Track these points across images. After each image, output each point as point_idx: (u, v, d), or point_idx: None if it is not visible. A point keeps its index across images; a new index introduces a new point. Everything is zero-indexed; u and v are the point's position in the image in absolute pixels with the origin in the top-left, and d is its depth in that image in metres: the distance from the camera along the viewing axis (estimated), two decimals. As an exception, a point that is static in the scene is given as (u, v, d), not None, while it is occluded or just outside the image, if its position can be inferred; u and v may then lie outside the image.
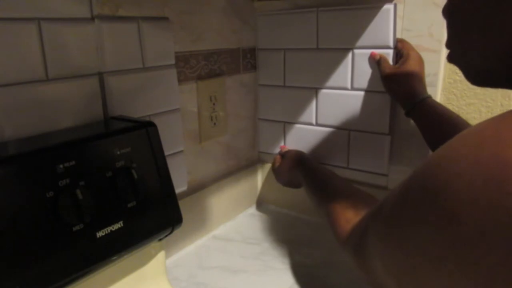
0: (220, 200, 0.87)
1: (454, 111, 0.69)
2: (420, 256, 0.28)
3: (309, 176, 0.71)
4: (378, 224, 0.36)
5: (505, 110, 0.27)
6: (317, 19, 0.79)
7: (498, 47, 0.33)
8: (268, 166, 0.96)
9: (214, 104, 0.81)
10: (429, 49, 0.71)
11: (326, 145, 0.85)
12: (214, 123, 0.82)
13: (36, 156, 0.42)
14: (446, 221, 0.26)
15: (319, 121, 0.85)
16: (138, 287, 0.56)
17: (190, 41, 0.74)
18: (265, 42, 0.89)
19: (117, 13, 0.59)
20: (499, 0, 0.32)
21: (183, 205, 0.58)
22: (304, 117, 0.87)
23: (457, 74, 0.72)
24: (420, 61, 0.70)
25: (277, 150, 0.92)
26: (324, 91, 0.82)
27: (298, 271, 0.72)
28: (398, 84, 0.70)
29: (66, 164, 0.43)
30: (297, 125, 0.88)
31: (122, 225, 0.48)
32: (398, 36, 0.73)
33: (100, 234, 0.46)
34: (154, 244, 0.58)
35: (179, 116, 0.70)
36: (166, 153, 0.59)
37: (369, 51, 0.74)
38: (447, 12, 0.39)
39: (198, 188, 0.81)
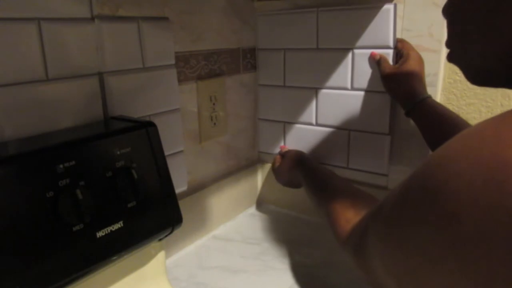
0: (220, 200, 0.87)
1: (454, 111, 0.69)
2: (420, 256, 0.28)
3: (309, 176, 0.71)
4: (378, 224, 0.36)
5: (505, 110, 0.27)
6: (317, 19, 0.79)
7: (498, 47, 0.33)
8: (268, 166, 0.96)
9: (214, 104, 0.81)
10: (429, 49, 0.71)
11: (326, 145, 0.85)
12: (214, 123, 0.82)
13: (36, 156, 0.42)
14: (446, 221, 0.26)
15: (319, 121, 0.85)
16: (138, 287, 0.56)
17: (190, 41, 0.74)
18: (265, 42, 0.89)
19: (117, 13, 0.59)
20: (499, 0, 0.32)
21: (183, 205, 0.58)
22: (304, 117, 0.87)
23: (457, 74, 0.72)
24: (420, 61, 0.70)
25: (277, 150, 0.92)
26: (324, 91, 0.82)
27: (298, 271, 0.72)
28: (398, 84, 0.70)
29: (66, 164, 0.43)
30: (297, 125, 0.88)
31: (122, 225, 0.48)
32: (398, 36, 0.73)
33: (100, 234, 0.46)
34: (154, 244, 0.58)
35: (179, 116, 0.70)
36: (166, 153, 0.59)
37: (369, 51, 0.74)
38: (447, 11, 0.39)
39: (198, 188, 0.81)
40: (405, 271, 0.31)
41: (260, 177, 0.99)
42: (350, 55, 0.77)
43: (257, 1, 0.87)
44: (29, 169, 0.41)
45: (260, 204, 0.99)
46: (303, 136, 0.88)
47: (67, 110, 0.53)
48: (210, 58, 0.79)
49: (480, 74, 0.38)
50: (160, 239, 0.56)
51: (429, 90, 0.70)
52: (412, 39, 0.72)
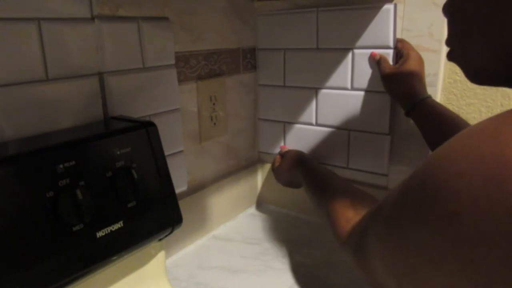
0: (220, 200, 0.87)
1: (454, 111, 0.69)
2: (420, 256, 0.28)
3: (309, 176, 0.71)
4: (378, 224, 0.36)
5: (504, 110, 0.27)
6: (317, 19, 0.79)
7: (498, 47, 0.33)
8: (268, 166, 0.96)
9: (214, 104, 0.81)
10: (429, 49, 0.71)
11: (326, 145, 0.85)
12: (214, 123, 0.82)
13: (36, 156, 0.42)
14: (446, 221, 0.26)
15: (319, 121, 0.85)
16: (138, 287, 0.56)
17: (190, 41, 0.74)
18: (265, 42, 0.89)
19: (117, 13, 0.59)
20: (499, 0, 0.32)
21: (183, 205, 0.58)
22: (304, 117, 0.87)
23: (457, 74, 0.72)
24: (420, 61, 0.70)
25: (277, 150, 0.92)
26: (324, 91, 0.82)
27: (298, 271, 0.72)
28: (398, 84, 0.70)
29: (66, 164, 0.43)
30: (297, 125, 0.88)
31: (122, 225, 0.48)
32: (398, 36, 0.73)
33: (100, 234, 0.46)
34: (154, 244, 0.58)
35: (179, 116, 0.70)
36: (166, 153, 0.59)
37: (369, 51, 0.74)
38: (448, 11, 0.39)
39: (198, 188, 0.81)
40: (405, 271, 0.31)
41: (260, 177, 0.99)
42: (350, 55, 0.77)
43: (257, 1, 0.87)
44: (29, 169, 0.41)
45: (260, 204, 0.99)
46: (303, 136, 0.88)
47: (67, 110, 0.53)
48: (210, 58, 0.79)
49: (480, 73, 0.38)
50: (160, 239, 0.56)
51: (429, 90, 0.70)
52: (412, 39, 0.72)
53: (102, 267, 0.47)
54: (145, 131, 0.53)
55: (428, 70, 0.71)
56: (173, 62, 0.67)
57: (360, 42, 0.75)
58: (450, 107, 0.72)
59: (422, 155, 0.74)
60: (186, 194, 0.77)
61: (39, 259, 0.40)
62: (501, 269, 0.23)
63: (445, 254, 0.26)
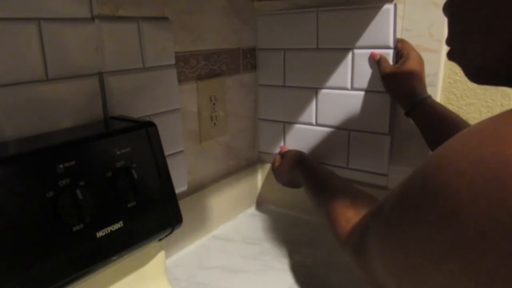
0: (220, 200, 0.87)
1: (454, 111, 0.69)
2: (420, 256, 0.28)
3: (309, 176, 0.71)
4: (378, 224, 0.36)
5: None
6: (317, 19, 0.79)
7: (498, 47, 0.33)
8: (268, 166, 0.96)
9: (214, 104, 0.81)
10: (429, 49, 0.71)
11: (326, 145, 0.85)
12: (214, 123, 0.82)
13: (36, 156, 0.42)
14: (446, 221, 0.26)
15: (319, 121, 0.85)
16: (138, 287, 0.56)
17: (190, 41, 0.74)
18: (265, 42, 0.89)
19: (117, 13, 0.59)
20: (499, 0, 0.32)
21: (183, 205, 0.58)
22: (304, 117, 0.87)
23: (457, 74, 0.72)
24: (420, 61, 0.70)
25: (277, 150, 0.92)
26: (324, 91, 0.82)
27: (298, 271, 0.72)
28: (398, 84, 0.70)
29: (66, 164, 0.43)
30: (297, 125, 0.88)
31: (122, 225, 0.48)
32: (398, 36, 0.73)
33: (100, 234, 0.46)
34: (154, 244, 0.58)
35: (179, 116, 0.70)
36: (166, 153, 0.59)
37: (369, 51, 0.74)
38: (448, 10, 0.39)
39: (198, 188, 0.81)
40: (405, 271, 0.31)
41: (260, 177, 0.99)
42: (350, 55, 0.77)
43: (257, 1, 0.87)
44: (29, 169, 0.41)
45: (260, 204, 0.99)
46: (303, 136, 0.88)
47: (67, 110, 0.53)
48: (210, 58, 0.79)
49: (480, 73, 0.38)
50: (160, 239, 0.56)
51: (429, 90, 0.70)
52: (412, 39, 0.72)
53: (102, 267, 0.47)
54: (145, 131, 0.53)
55: (428, 70, 0.71)
56: (173, 62, 0.67)
57: (360, 42, 0.75)
58: (450, 107, 0.72)
59: (422, 155, 0.74)
60: (186, 194, 0.77)
61: (39, 259, 0.40)
62: (501, 269, 0.23)
63: (445, 254, 0.26)
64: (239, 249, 0.80)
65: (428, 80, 0.72)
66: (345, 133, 0.81)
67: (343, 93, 0.79)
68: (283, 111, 0.90)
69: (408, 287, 0.32)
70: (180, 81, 0.71)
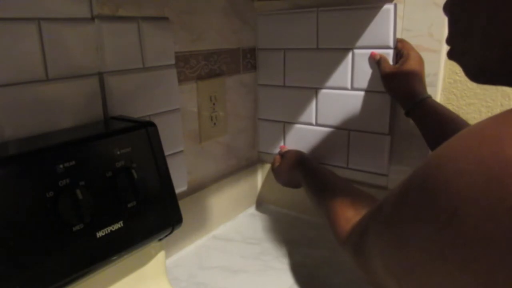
0: (220, 200, 0.87)
1: (454, 111, 0.69)
2: (420, 255, 0.28)
3: (309, 176, 0.71)
4: (378, 224, 0.36)
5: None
6: (317, 19, 0.79)
7: (498, 46, 0.33)
8: (268, 166, 0.96)
9: (214, 104, 0.81)
10: (429, 49, 0.71)
11: (326, 145, 0.85)
12: (214, 123, 0.82)
13: (36, 156, 0.42)
14: (446, 220, 0.26)
15: (319, 121, 0.85)
16: (138, 287, 0.56)
17: (190, 41, 0.74)
18: (265, 42, 0.89)
19: (117, 13, 0.59)
20: (500, 0, 0.32)
21: (183, 205, 0.58)
22: (304, 117, 0.87)
23: (457, 74, 0.72)
24: (420, 61, 0.70)
25: (277, 150, 0.92)
26: (324, 91, 0.82)
27: (298, 271, 0.72)
28: (398, 84, 0.70)
29: (66, 164, 0.43)
30: (297, 125, 0.88)
31: (122, 225, 0.48)
32: (398, 36, 0.73)
33: (100, 234, 0.46)
34: (154, 244, 0.58)
35: (179, 116, 0.70)
36: (166, 153, 0.59)
37: (369, 51, 0.74)
38: (449, 10, 0.39)
39: (198, 188, 0.81)
40: (405, 270, 0.31)
41: (260, 177, 0.99)
42: (350, 55, 0.77)
43: (257, 1, 0.87)
44: (29, 169, 0.41)
45: (260, 204, 0.99)
46: (303, 136, 0.88)
47: (67, 110, 0.53)
48: (210, 58, 0.79)
49: (480, 72, 0.38)
50: (160, 239, 0.56)
51: (429, 90, 0.70)
52: (412, 39, 0.72)
53: (102, 267, 0.47)
54: (145, 131, 0.53)
55: (428, 70, 0.71)
56: (173, 62, 0.67)
57: (360, 42, 0.75)
58: (450, 107, 0.72)
59: (422, 155, 0.74)
60: (186, 194, 0.77)
61: (39, 259, 0.40)
62: (501, 268, 0.23)
63: (445, 254, 0.26)
64: (239, 249, 0.80)
65: (428, 80, 0.72)
66: (345, 133, 0.81)
67: (343, 93, 0.79)
68: (283, 111, 0.90)
69: (408, 287, 0.32)
70: (180, 81, 0.71)
